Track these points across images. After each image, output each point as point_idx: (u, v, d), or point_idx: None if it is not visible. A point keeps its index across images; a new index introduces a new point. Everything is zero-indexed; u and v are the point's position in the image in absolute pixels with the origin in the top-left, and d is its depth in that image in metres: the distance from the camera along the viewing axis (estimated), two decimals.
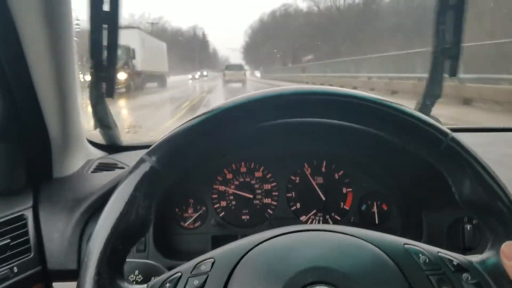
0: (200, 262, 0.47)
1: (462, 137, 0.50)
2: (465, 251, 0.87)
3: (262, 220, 1.00)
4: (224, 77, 20.08)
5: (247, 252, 0.47)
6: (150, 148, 0.48)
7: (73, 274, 0.82)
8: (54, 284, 0.83)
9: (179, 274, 0.46)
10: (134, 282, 0.62)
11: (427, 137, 0.49)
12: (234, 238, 0.77)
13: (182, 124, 0.49)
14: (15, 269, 0.74)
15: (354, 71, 16.05)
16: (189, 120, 0.49)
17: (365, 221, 0.98)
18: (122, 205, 0.45)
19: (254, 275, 0.45)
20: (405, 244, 0.49)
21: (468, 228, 0.87)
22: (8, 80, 0.82)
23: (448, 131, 0.49)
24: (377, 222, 0.98)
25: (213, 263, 0.47)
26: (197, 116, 0.49)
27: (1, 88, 0.82)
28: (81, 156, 1.08)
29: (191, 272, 0.46)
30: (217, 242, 0.97)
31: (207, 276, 0.45)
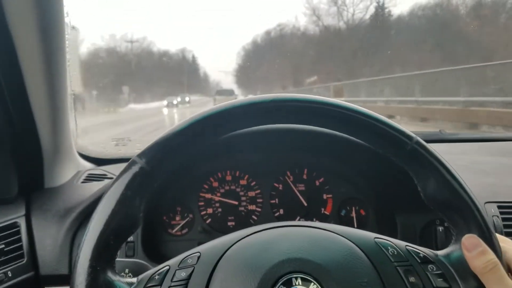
0: (187, 256, 0.51)
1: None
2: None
3: (247, 226, 1.03)
4: (214, 102, 20.03)
5: (230, 247, 0.51)
6: (141, 150, 0.51)
7: (65, 279, 0.84)
8: None
9: (167, 267, 0.50)
10: None
11: (394, 140, 0.53)
12: None
13: (172, 127, 0.51)
14: (9, 274, 0.77)
15: (382, 95, 12.07)
16: (179, 123, 0.51)
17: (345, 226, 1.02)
18: (114, 203, 0.47)
19: (236, 267, 0.48)
20: (375, 237, 0.53)
21: (440, 230, 0.90)
22: (2, 93, 0.84)
23: (413, 135, 0.53)
24: (355, 226, 1.02)
25: (199, 257, 0.50)
26: (187, 119, 0.51)
27: None
28: (71, 167, 1.11)
29: (178, 265, 0.50)
30: None
31: (193, 269, 0.49)
